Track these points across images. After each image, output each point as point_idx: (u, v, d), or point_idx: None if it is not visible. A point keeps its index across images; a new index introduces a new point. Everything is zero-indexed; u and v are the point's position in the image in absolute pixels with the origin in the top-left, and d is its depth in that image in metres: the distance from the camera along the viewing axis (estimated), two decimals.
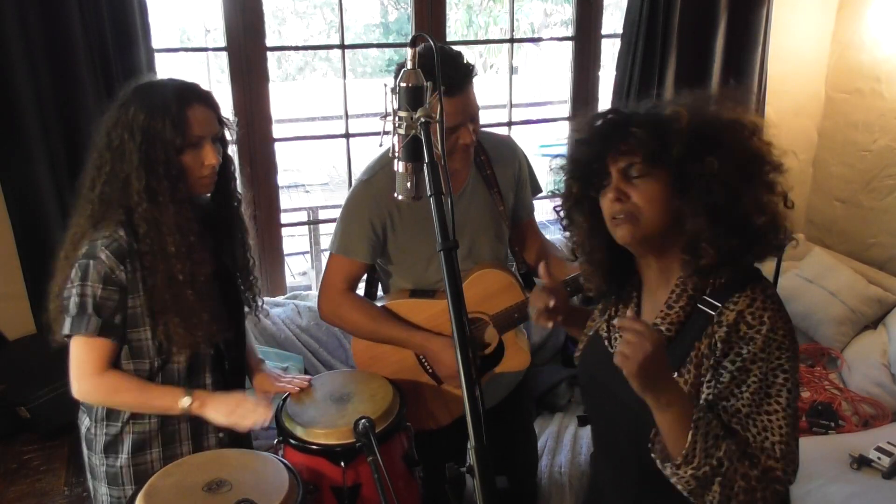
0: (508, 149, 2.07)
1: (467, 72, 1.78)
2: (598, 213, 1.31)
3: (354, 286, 2.02)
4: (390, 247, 1.96)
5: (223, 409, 1.59)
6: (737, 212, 1.19)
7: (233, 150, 3.13)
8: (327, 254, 2.03)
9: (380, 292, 2.18)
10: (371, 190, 1.91)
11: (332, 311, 1.99)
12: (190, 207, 1.57)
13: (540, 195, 2.18)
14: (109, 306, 1.53)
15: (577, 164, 1.31)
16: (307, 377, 1.91)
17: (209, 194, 1.68)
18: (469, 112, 1.79)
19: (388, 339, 1.97)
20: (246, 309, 1.86)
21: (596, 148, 1.27)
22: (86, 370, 1.57)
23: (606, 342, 1.42)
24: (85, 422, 1.70)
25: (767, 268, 2.80)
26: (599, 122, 1.29)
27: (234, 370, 1.81)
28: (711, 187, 1.18)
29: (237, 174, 1.75)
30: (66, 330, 1.54)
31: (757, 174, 1.21)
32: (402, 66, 1.77)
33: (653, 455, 1.21)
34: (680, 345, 1.26)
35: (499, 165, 2.01)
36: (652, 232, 1.25)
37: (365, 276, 2.14)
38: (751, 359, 1.17)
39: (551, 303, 1.42)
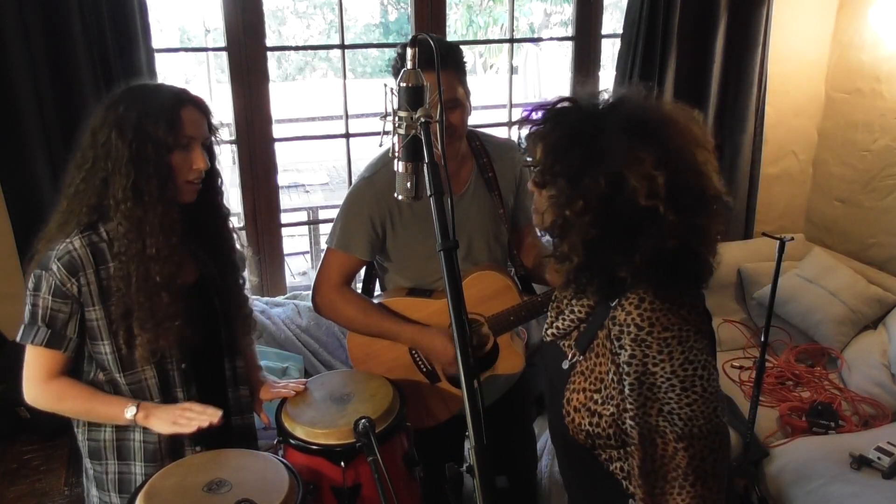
0: (510, 151, 2.07)
1: (446, 53, 1.78)
2: None
3: (350, 281, 2.04)
4: (389, 245, 1.98)
5: (167, 418, 1.56)
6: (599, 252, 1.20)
7: (232, 160, 3.15)
8: (324, 248, 2.04)
9: (377, 290, 2.19)
10: (373, 188, 1.92)
11: (327, 304, 2.01)
12: (178, 210, 1.55)
13: None
14: (61, 318, 1.53)
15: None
16: (303, 380, 1.90)
17: (192, 203, 1.61)
18: (449, 94, 1.78)
19: (380, 333, 1.99)
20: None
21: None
22: (33, 377, 1.58)
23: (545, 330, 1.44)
24: (74, 425, 1.70)
25: (767, 268, 2.81)
26: (549, 109, 1.27)
27: (215, 387, 1.76)
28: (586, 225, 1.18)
29: (224, 189, 1.71)
30: (17, 337, 1.56)
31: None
32: (397, 62, 1.78)
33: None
34: (588, 330, 1.30)
35: (500, 168, 2.02)
36: (548, 233, 1.28)
37: (363, 272, 2.15)
38: (653, 362, 1.17)
39: None
